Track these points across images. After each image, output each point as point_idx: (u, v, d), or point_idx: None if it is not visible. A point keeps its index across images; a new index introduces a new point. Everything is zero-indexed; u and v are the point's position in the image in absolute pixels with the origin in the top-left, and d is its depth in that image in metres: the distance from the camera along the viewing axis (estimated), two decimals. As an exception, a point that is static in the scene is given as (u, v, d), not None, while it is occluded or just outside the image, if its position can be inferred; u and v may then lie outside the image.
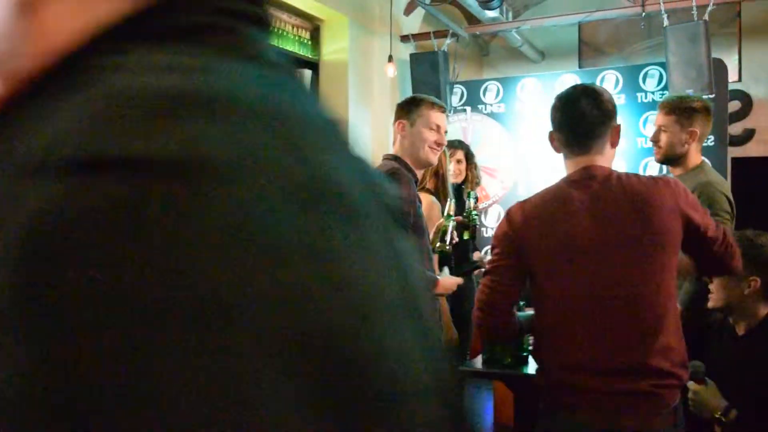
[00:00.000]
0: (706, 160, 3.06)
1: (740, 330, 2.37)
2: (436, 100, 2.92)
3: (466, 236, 3.90)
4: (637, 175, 2.04)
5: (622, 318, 1.88)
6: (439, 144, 2.83)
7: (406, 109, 2.85)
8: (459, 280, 2.96)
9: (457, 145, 4.50)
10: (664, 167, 3.89)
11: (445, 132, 2.89)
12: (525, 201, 2.07)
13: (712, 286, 2.39)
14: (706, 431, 2.53)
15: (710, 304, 2.41)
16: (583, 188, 1.94)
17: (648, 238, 1.89)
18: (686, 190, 2.02)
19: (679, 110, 2.98)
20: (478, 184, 4.66)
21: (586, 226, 1.89)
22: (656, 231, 1.90)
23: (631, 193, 1.92)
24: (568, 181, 2.00)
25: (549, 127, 2.08)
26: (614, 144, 2.03)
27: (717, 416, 2.27)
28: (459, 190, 4.31)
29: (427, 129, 2.79)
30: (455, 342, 3.61)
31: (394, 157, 2.81)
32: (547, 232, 1.92)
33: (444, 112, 2.89)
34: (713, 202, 2.79)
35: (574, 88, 2.11)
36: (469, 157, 4.48)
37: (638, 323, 1.89)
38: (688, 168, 3.00)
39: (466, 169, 4.44)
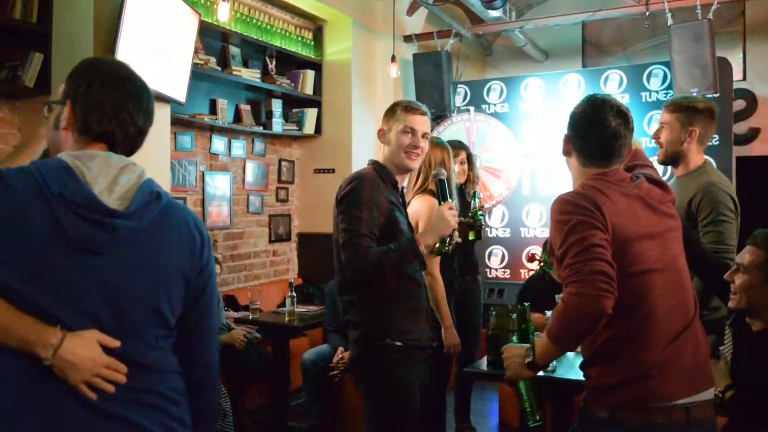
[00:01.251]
0: (710, 160, 3.04)
1: (756, 327, 2.35)
2: (413, 102, 2.84)
3: (471, 237, 3.88)
4: (642, 176, 2.11)
5: (686, 293, 1.99)
6: (414, 147, 2.72)
7: (386, 117, 2.81)
8: (447, 207, 2.66)
9: (458, 145, 4.47)
10: (668, 169, 3.88)
11: (424, 135, 2.75)
12: (574, 191, 2.01)
13: (733, 287, 2.35)
14: None
15: (731, 305, 2.38)
16: (624, 185, 2.00)
17: (678, 228, 2.08)
18: None
19: (681, 109, 2.99)
20: (477, 183, 4.65)
21: (646, 217, 1.97)
22: (678, 221, 2.10)
23: (659, 191, 2.06)
24: (606, 181, 1.99)
25: (557, 128, 2.08)
26: (625, 161, 2.12)
27: (716, 392, 2.24)
28: (461, 192, 4.30)
29: (402, 133, 2.71)
30: (458, 347, 3.60)
31: (373, 162, 2.79)
32: (620, 218, 1.90)
33: (422, 114, 2.77)
34: (717, 203, 2.81)
35: (605, 102, 2.05)
36: (470, 158, 4.48)
37: (692, 305, 2.00)
38: (689, 168, 2.99)
39: (468, 170, 4.45)
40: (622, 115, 2.03)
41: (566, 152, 2.12)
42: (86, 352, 1.42)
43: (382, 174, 2.72)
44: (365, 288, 2.64)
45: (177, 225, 1.59)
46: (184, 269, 1.58)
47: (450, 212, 2.65)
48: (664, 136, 3.01)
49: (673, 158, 3.02)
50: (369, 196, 2.59)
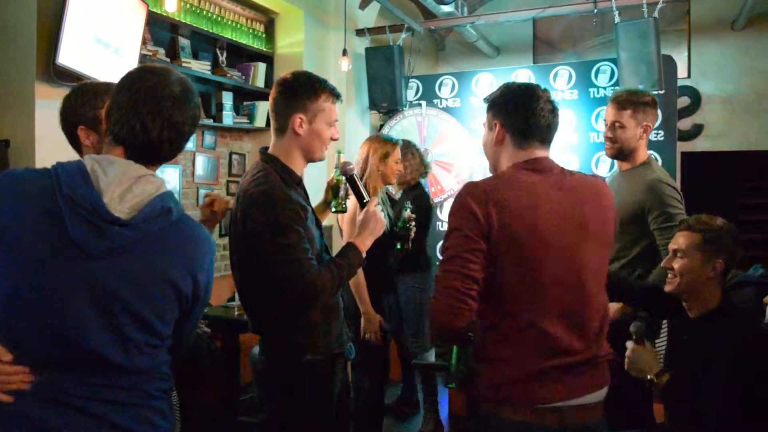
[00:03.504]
0: (653, 155, 3.09)
1: (692, 313, 2.42)
2: (333, 87, 2.44)
3: (398, 246, 3.84)
4: (578, 172, 2.07)
5: (585, 305, 1.93)
6: (335, 139, 2.47)
7: (303, 100, 2.36)
8: (373, 205, 2.51)
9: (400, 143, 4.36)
10: (608, 161, 3.93)
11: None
12: (480, 183, 1.92)
13: (671, 272, 2.42)
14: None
15: (669, 288, 2.44)
16: (545, 177, 1.94)
17: (604, 236, 1.99)
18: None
19: (634, 105, 3.00)
20: (425, 173, 4.53)
21: (556, 216, 1.88)
22: (609, 230, 2.02)
23: (588, 189, 1.99)
24: (527, 168, 1.94)
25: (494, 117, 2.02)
26: None
27: (649, 377, 2.35)
28: (417, 191, 4.29)
29: (329, 127, 2.41)
30: (376, 334, 3.55)
31: (270, 160, 2.40)
32: (518, 219, 1.83)
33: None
34: (665, 196, 2.89)
35: (532, 89, 2.03)
36: (404, 151, 4.33)
37: (596, 310, 1.96)
38: (636, 163, 3.06)
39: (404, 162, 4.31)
40: (550, 97, 2.04)
41: (498, 140, 2.03)
42: None
43: (285, 177, 2.37)
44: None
45: (181, 242, 1.60)
46: (181, 286, 1.59)
47: (378, 208, 2.52)
48: (622, 134, 3.01)
49: (626, 155, 3.06)
50: (288, 216, 2.26)
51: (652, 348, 2.44)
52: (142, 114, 1.56)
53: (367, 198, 2.56)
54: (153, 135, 1.57)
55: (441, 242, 1.96)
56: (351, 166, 2.60)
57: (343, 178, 2.61)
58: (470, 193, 1.88)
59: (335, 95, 2.42)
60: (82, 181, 1.47)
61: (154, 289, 1.55)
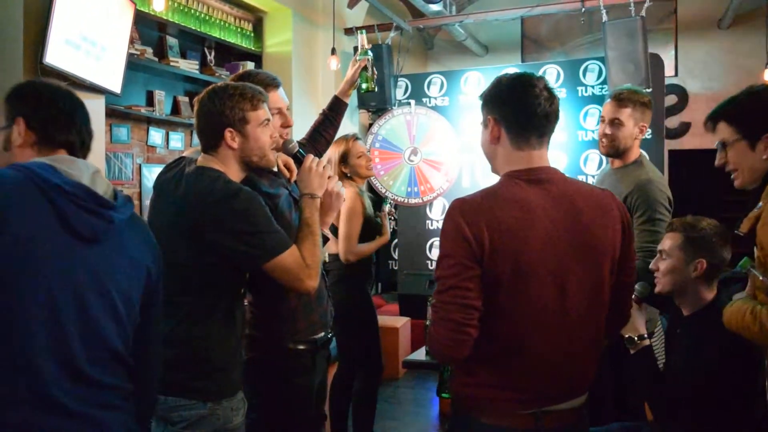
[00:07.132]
0: (644, 153, 3.08)
1: (686, 311, 2.46)
2: (270, 75, 2.44)
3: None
4: (581, 182, 1.92)
5: (579, 335, 1.81)
6: (285, 126, 2.40)
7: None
8: (307, 162, 2.31)
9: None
10: (602, 158, 3.92)
11: (287, 108, 2.43)
12: (472, 200, 1.77)
13: (657, 273, 2.46)
14: None
15: (657, 289, 2.47)
16: (543, 191, 1.78)
17: (608, 255, 1.82)
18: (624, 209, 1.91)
19: (634, 104, 2.99)
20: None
21: (551, 236, 1.74)
22: (609, 248, 1.83)
23: (592, 202, 1.83)
24: (524, 179, 1.79)
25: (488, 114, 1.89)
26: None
27: (630, 336, 2.43)
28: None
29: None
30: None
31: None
32: (511, 244, 1.70)
33: (280, 85, 2.45)
34: (653, 201, 2.86)
35: (527, 77, 1.82)
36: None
37: (589, 340, 1.85)
38: (627, 161, 3.03)
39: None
40: (548, 88, 1.83)
41: (494, 138, 1.86)
42: None
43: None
44: (263, 284, 2.27)
45: (144, 228, 1.72)
46: (150, 269, 1.66)
47: (312, 163, 2.30)
48: (620, 131, 2.98)
49: (620, 153, 3.03)
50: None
51: (646, 312, 2.49)
52: (81, 117, 1.65)
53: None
54: (92, 133, 1.68)
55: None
56: (293, 144, 2.42)
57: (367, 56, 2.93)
58: (463, 214, 1.74)
59: (271, 84, 2.46)
60: (60, 173, 1.48)
61: (134, 270, 1.62)
